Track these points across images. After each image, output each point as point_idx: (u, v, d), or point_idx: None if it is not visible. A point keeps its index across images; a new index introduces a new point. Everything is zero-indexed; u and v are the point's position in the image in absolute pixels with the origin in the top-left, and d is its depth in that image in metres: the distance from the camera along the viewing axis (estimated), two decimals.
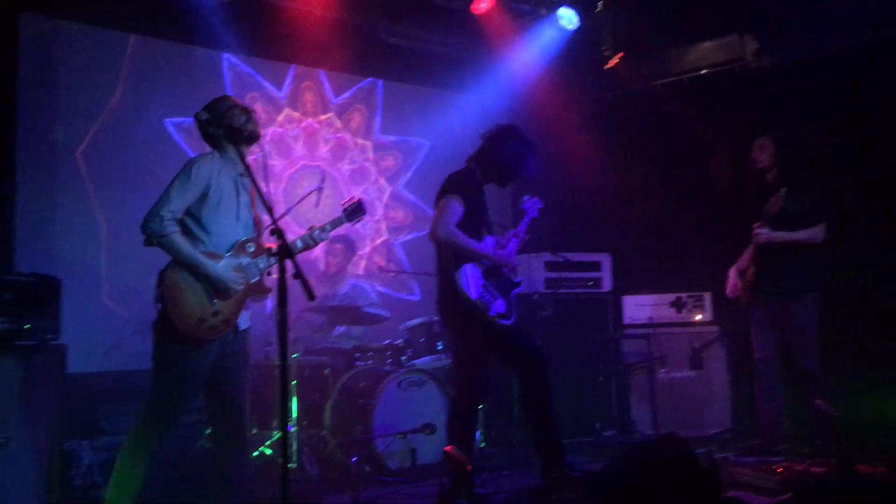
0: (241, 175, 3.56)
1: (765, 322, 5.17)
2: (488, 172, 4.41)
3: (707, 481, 3.45)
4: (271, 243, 3.54)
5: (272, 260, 3.53)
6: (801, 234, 5.02)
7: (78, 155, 5.73)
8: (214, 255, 3.43)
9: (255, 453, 5.09)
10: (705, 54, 6.81)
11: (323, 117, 7.08)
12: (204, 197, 3.41)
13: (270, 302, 5.64)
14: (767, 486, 4.05)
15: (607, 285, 6.54)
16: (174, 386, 3.40)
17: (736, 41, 6.63)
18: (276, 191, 6.57)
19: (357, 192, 7.17)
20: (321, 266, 6.50)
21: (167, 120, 6.12)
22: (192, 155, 3.66)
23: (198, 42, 6.24)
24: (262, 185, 3.32)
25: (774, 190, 5.07)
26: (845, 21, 5.83)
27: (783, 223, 5.02)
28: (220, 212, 3.47)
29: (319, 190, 5.41)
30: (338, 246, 6.18)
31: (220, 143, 3.55)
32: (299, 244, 3.67)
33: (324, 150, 7.07)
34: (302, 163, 6.91)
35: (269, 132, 6.72)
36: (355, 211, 3.89)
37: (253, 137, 3.56)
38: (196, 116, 3.55)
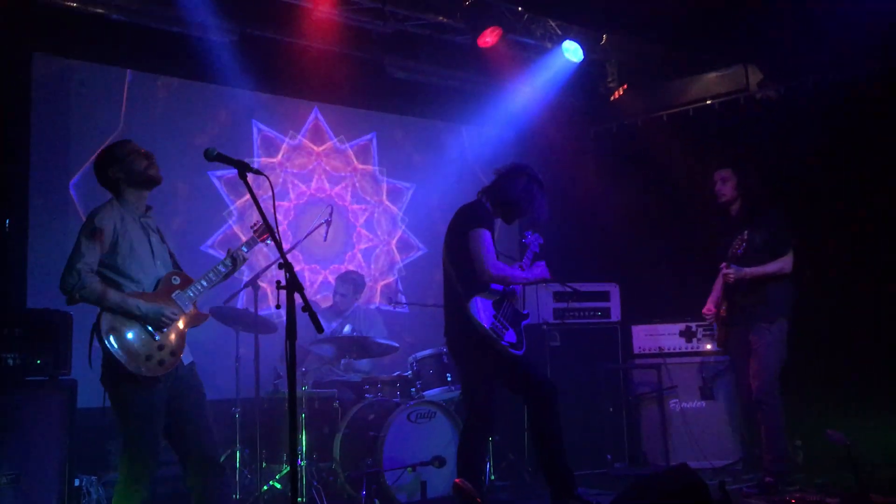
0: (144, 216, 3.62)
1: (744, 357, 5.10)
2: (498, 207, 4.45)
3: None
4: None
5: (201, 286, 3.60)
6: (771, 267, 4.98)
7: (71, 187, 5.79)
8: (142, 295, 3.48)
9: (265, 487, 5.07)
10: (710, 85, 6.88)
11: (320, 148, 7.14)
12: (114, 246, 3.47)
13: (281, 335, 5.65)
14: None
15: (616, 315, 6.53)
16: (142, 427, 3.42)
17: (740, 72, 6.69)
18: (282, 224, 6.62)
19: (361, 222, 7.22)
20: (323, 304, 6.54)
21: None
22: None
23: (208, 79, 6.33)
24: (270, 219, 3.35)
25: (739, 222, 5.07)
26: (849, 52, 5.87)
27: (750, 258, 4.99)
28: (134, 256, 3.51)
29: (328, 223, 5.43)
30: (343, 285, 6.24)
31: (119, 187, 3.59)
32: (210, 277, 3.67)
33: (328, 182, 7.12)
34: (309, 195, 6.97)
35: (271, 164, 6.79)
36: (263, 232, 3.90)
37: (153, 181, 3.62)
38: (95, 162, 3.61)
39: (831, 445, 4.47)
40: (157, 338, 3.44)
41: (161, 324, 3.45)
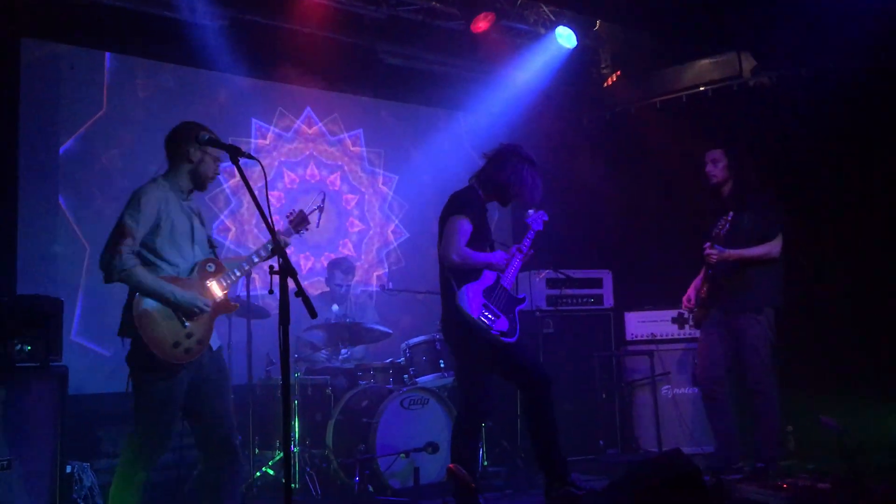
0: (187, 199, 3.58)
1: (716, 340, 5.02)
2: (490, 191, 4.42)
3: (713, 497, 3.43)
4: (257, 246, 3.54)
5: (234, 275, 3.58)
6: (758, 250, 4.90)
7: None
8: (177, 280, 3.45)
9: (258, 474, 5.07)
10: (703, 72, 6.86)
11: (311, 133, 7.10)
12: (157, 227, 3.43)
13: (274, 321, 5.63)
14: (773, 502, 4.03)
15: (609, 302, 6.54)
16: (156, 414, 3.40)
17: (734, 59, 6.68)
18: (274, 210, 6.59)
19: (353, 209, 7.20)
20: (316, 290, 6.53)
21: None
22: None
23: (198, 64, 6.28)
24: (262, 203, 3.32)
25: (730, 203, 4.98)
26: (843, 40, 5.86)
27: (736, 240, 4.90)
28: (174, 239, 3.48)
29: (320, 209, 5.39)
30: (338, 272, 6.22)
31: (180, 167, 3.55)
32: (254, 258, 3.69)
33: (320, 169, 7.09)
34: (300, 182, 6.94)
35: (265, 148, 6.75)
36: (300, 222, 3.96)
37: (201, 188, 3.61)
38: (178, 129, 3.56)
39: (823, 432, 4.49)
40: (186, 325, 3.40)
41: (193, 312, 3.42)
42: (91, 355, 5.66)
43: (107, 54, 6.02)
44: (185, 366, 3.41)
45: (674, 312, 6.30)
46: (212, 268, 3.56)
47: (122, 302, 3.41)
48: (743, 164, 5.03)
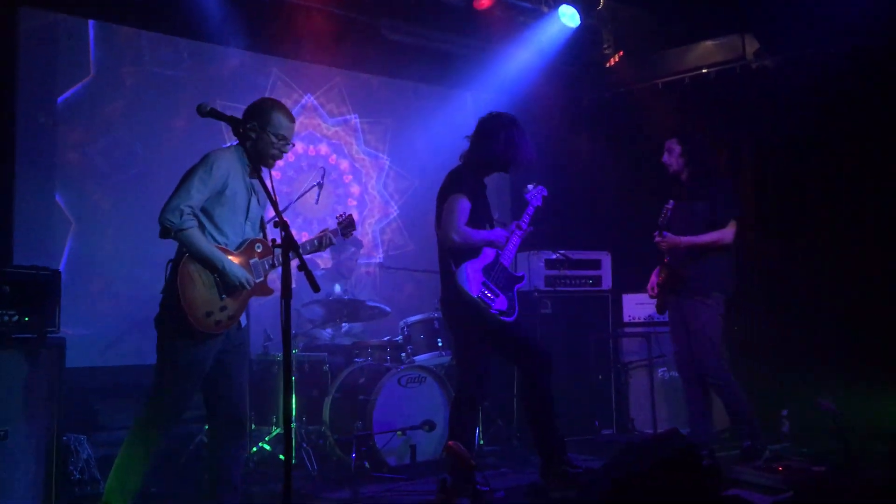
0: (252, 175, 3.56)
1: (678, 324, 5.01)
2: (489, 165, 4.39)
3: (708, 478, 3.45)
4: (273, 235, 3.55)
5: (277, 261, 3.53)
6: (708, 237, 4.84)
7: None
8: (227, 251, 3.43)
9: (255, 449, 5.07)
10: (706, 53, 6.82)
11: (312, 109, 7.06)
12: (220, 194, 3.41)
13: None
14: (768, 484, 4.05)
15: (607, 283, 6.53)
16: (179, 380, 3.38)
17: (737, 41, 6.64)
18: (277, 185, 6.57)
19: (353, 186, 7.18)
20: (322, 264, 6.52)
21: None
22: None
23: (197, 36, 6.23)
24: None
25: (690, 190, 4.95)
26: (847, 22, 5.83)
27: (690, 227, 4.87)
28: (232, 210, 3.46)
29: (320, 185, 5.38)
30: (351, 248, 6.24)
31: (245, 142, 3.51)
32: (308, 247, 3.73)
33: (321, 145, 7.06)
34: (301, 158, 6.91)
35: None
36: (348, 226, 3.96)
37: (265, 165, 3.58)
38: (255, 105, 3.56)
39: (819, 415, 4.50)
40: (223, 297, 3.38)
41: (235, 287, 3.40)
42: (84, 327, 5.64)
43: (105, 24, 5.96)
44: (213, 337, 3.39)
45: None
46: (259, 248, 3.55)
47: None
48: (699, 152, 4.99)
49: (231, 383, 3.52)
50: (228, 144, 3.57)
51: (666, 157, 5.05)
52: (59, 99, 5.72)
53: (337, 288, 6.01)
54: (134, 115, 6.01)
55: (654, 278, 5.16)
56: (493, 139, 4.33)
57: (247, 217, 3.53)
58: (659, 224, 4.88)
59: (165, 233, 3.33)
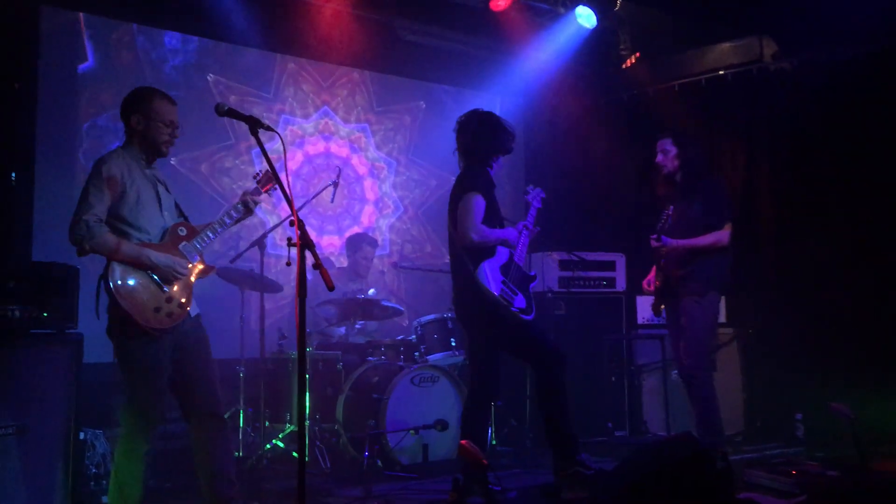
0: (150, 167, 3.58)
1: (675, 325, 4.94)
2: (490, 157, 4.39)
3: (721, 481, 3.44)
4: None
5: (208, 237, 3.57)
6: (706, 240, 4.79)
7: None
8: (151, 245, 3.45)
9: (268, 446, 5.11)
10: (723, 55, 6.79)
11: (325, 105, 7.08)
12: (122, 195, 3.42)
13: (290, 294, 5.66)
14: (782, 487, 4.03)
15: (621, 285, 6.52)
16: (147, 382, 3.42)
17: (755, 43, 6.61)
18: (294, 184, 6.60)
19: (369, 186, 7.19)
20: (338, 263, 6.55)
21: None
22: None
23: (217, 36, 6.28)
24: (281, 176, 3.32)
25: (682, 192, 4.89)
26: (866, 25, 5.79)
27: (686, 230, 4.82)
28: (141, 205, 3.47)
29: (335, 185, 5.40)
30: (367, 247, 6.25)
31: (133, 138, 3.54)
32: (226, 220, 3.66)
33: (336, 145, 7.08)
34: (316, 157, 6.93)
35: (276, 123, 6.75)
36: (267, 181, 3.82)
37: (159, 155, 3.59)
38: (126, 99, 3.55)
39: (833, 419, 4.47)
40: (165, 290, 3.41)
41: (171, 276, 3.43)
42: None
43: (133, 25, 6.02)
44: (169, 330, 3.42)
45: None
46: (183, 231, 3.56)
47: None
48: (692, 153, 4.93)
49: (197, 380, 3.53)
50: (115, 146, 3.57)
51: (661, 158, 4.98)
52: (79, 98, 5.77)
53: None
54: None
55: (652, 275, 5.09)
56: (475, 131, 4.38)
57: (160, 207, 3.55)
58: (658, 229, 4.84)
59: (81, 249, 3.34)
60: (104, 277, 3.37)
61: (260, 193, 3.79)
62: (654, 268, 5.05)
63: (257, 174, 3.85)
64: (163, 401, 3.47)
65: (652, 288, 5.06)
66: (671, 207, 4.85)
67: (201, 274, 3.57)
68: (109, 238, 3.35)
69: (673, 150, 4.94)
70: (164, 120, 3.54)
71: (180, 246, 3.52)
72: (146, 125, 3.52)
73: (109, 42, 5.94)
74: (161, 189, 3.59)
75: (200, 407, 3.53)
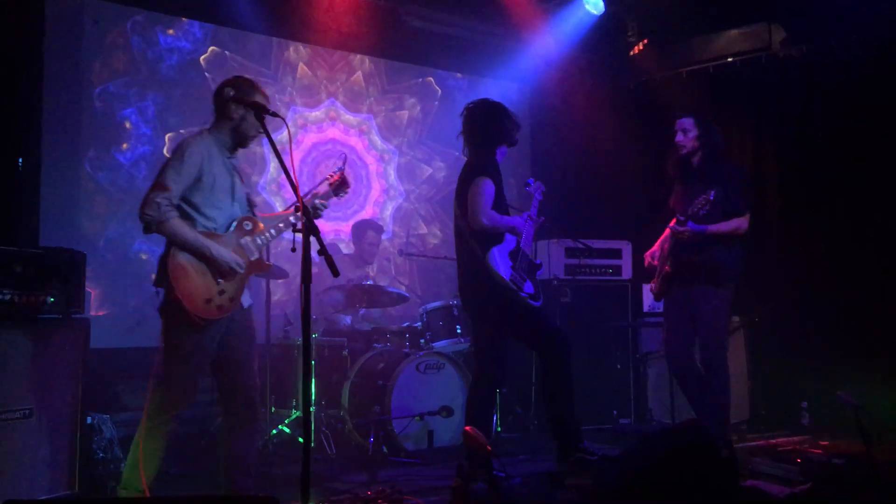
0: (231, 157, 3.59)
1: (679, 316, 4.80)
2: (495, 145, 4.39)
3: (726, 469, 3.44)
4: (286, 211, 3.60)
5: (270, 235, 3.58)
6: (729, 225, 4.64)
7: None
8: (214, 235, 3.45)
9: (274, 431, 5.13)
10: (732, 42, 6.75)
11: (329, 91, 7.07)
12: (198, 181, 3.42)
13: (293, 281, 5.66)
14: (787, 476, 4.03)
15: (627, 273, 6.51)
16: (185, 366, 3.43)
17: (763, 30, 6.56)
18: (300, 171, 6.60)
19: (374, 173, 7.19)
20: (344, 249, 6.55)
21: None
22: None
23: (223, 21, 6.27)
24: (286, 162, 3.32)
25: (699, 175, 4.76)
26: (877, 12, 5.75)
27: (706, 215, 4.58)
28: (215, 193, 3.47)
29: (341, 171, 5.38)
30: (371, 233, 6.24)
31: (222, 123, 3.54)
32: (292, 219, 3.66)
33: (341, 132, 7.07)
34: (321, 144, 6.93)
35: (280, 109, 6.74)
36: (341, 185, 3.88)
37: (242, 146, 3.58)
38: (229, 83, 3.56)
39: (838, 408, 4.46)
40: (219, 282, 3.41)
41: (228, 271, 3.42)
42: (108, 308, 5.72)
43: (130, 10, 6.00)
44: (216, 322, 3.43)
45: None
46: (248, 226, 3.56)
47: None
48: (713, 135, 4.79)
49: (240, 365, 3.56)
50: (200, 129, 3.57)
51: (680, 137, 4.82)
52: (84, 84, 5.77)
53: (359, 272, 6.02)
54: (159, 102, 6.05)
55: (656, 248, 4.95)
56: (496, 116, 4.39)
57: (233, 198, 3.55)
58: (689, 213, 4.57)
59: (147, 228, 3.35)
60: (164, 258, 3.38)
61: (330, 197, 3.80)
62: (660, 248, 4.91)
63: (331, 176, 3.85)
64: (195, 386, 3.50)
65: (656, 262, 4.92)
66: (711, 193, 4.52)
67: (257, 269, 3.58)
68: (177, 224, 3.34)
69: (694, 131, 4.78)
70: (260, 117, 3.49)
71: (242, 240, 3.52)
72: (243, 116, 3.51)
73: (112, 31, 5.93)
74: (237, 179, 3.59)
75: (236, 393, 3.55)
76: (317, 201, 3.74)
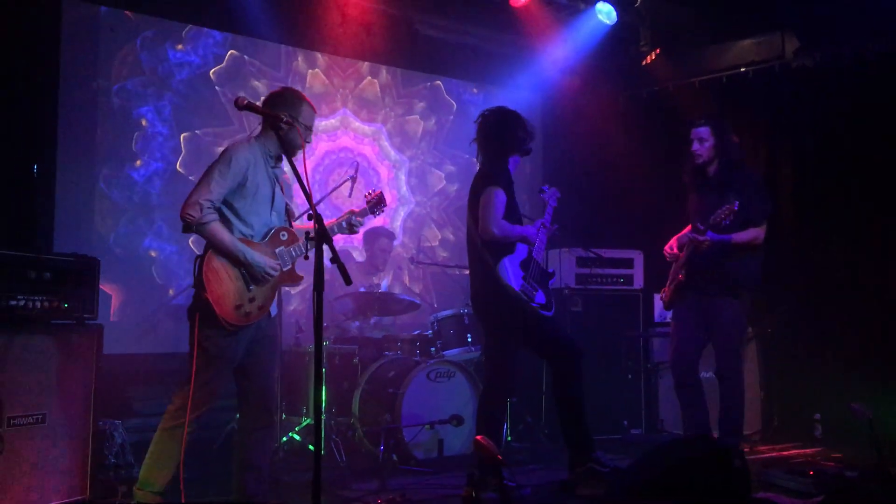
0: (275, 166, 3.63)
1: (690, 325, 4.73)
2: (508, 154, 4.38)
3: (738, 480, 3.42)
4: (306, 225, 3.64)
5: (303, 248, 3.60)
6: (748, 235, 4.60)
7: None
8: (251, 243, 3.49)
9: (284, 439, 5.13)
10: (745, 52, 6.73)
11: (342, 99, 7.09)
12: (241, 187, 3.47)
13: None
14: (800, 488, 4.01)
15: (639, 283, 6.50)
16: (210, 370, 3.44)
17: (777, 39, 6.54)
18: (312, 179, 6.62)
19: (386, 181, 7.20)
20: (357, 257, 6.56)
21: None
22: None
23: (238, 30, 6.30)
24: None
25: (716, 184, 4.71)
26: (890, 21, 5.73)
27: (729, 225, 4.54)
28: (256, 201, 3.52)
29: (353, 179, 5.41)
30: (384, 240, 6.26)
31: (269, 132, 3.58)
32: (335, 229, 3.77)
33: (353, 140, 7.09)
34: (334, 152, 6.95)
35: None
36: (378, 203, 3.99)
37: (289, 155, 3.58)
38: (280, 93, 3.65)
39: (851, 420, 4.43)
40: (251, 288, 3.45)
41: (260, 277, 3.46)
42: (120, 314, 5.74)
43: (145, 18, 6.05)
44: (244, 328, 3.46)
45: None
46: (285, 236, 3.61)
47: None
48: (730, 144, 4.74)
49: (262, 372, 3.59)
50: (248, 136, 3.63)
51: (696, 147, 4.77)
52: (100, 91, 5.82)
53: (374, 280, 6.02)
54: (172, 108, 6.08)
55: (675, 241, 4.87)
56: (510, 125, 4.38)
57: (272, 207, 3.59)
58: (712, 222, 4.50)
59: (187, 227, 3.40)
60: (201, 259, 3.41)
61: (366, 215, 3.89)
62: (677, 248, 4.84)
63: (369, 193, 3.93)
64: (220, 391, 3.52)
65: (675, 252, 4.86)
66: (736, 203, 4.46)
67: (288, 279, 3.62)
68: (217, 228, 3.40)
69: (710, 140, 4.73)
70: (306, 124, 3.63)
71: (277, 250, 3.57)
72: (291, 126, 3.54)
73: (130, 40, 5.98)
74: (277, 189, 3.63)
75: (255, 399, 3.59)
76: (354, 218, 3.82)
